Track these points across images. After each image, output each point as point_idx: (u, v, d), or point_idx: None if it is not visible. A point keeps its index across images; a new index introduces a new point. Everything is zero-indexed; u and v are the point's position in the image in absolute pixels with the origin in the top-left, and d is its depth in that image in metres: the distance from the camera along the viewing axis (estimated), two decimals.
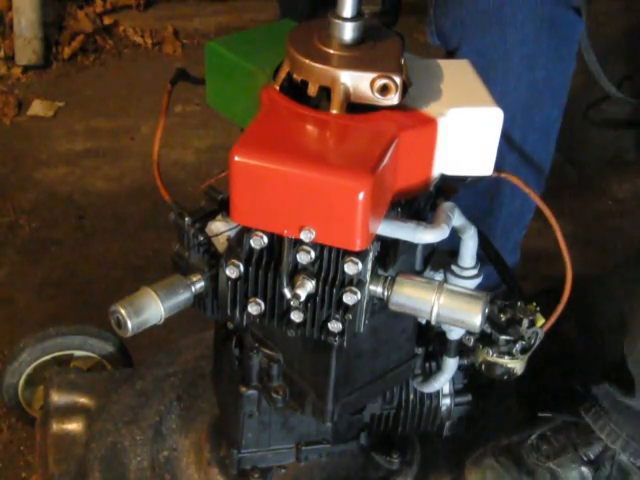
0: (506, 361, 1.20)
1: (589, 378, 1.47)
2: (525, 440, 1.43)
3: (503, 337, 1.19)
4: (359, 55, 1.01)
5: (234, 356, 1.24)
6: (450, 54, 1.56)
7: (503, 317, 1.19)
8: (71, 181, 2.57)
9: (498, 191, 1.60)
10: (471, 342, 1.22)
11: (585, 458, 1.43)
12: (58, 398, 1.53)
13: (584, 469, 1.42)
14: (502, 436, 1.43)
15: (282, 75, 1.04)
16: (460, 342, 1.23)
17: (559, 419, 1.46)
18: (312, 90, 1.00)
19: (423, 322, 1.23)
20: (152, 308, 1.06)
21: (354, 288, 0.99)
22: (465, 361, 1.27)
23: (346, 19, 1.00)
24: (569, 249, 1.16)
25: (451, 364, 1.25)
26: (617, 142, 2.71)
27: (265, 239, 1.00)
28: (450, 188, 1.15)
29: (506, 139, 1.05)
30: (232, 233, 1.08)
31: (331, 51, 1.01)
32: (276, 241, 1.01)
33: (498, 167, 1.10)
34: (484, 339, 1.20)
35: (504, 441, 1.42)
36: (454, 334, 1.22)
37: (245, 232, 1.02)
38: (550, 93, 1.53)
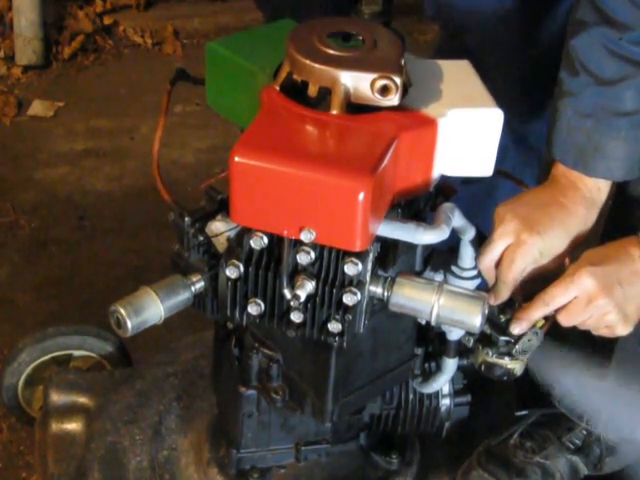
0: (506, 362, 1.19)
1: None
2: (507, 441, 1.42)
3: (503, 338, 1.18)
4: (359, 56, 1.01)
5: (234, 356, 1.24)
6: (445, 28, 1.55)
7: (503, 318, 1.19)
8: (71, 181, 2.57)
9: (494, 189, 1.60)
10: (471, 343, 1.22)
11: (572, 446, 1.43)
12: (57, 398, 1.53)
13: (572, 457, 1.42)
14: (484, 443, 1.43)
15: (282, 75, 1.04)
16: (460, 343, 1.23)
17: (536, 414, 1.46)
18: (312, 90, 1.00)
19: (423, 322, 1.22)
20: (152, 308, 1.06)
21: (354, 289, 0.99)
22: (465, 362, 1.27)
23: None
24: None
25: (451, 364, 1.25)
26: None
27: (265, 240, 1.00)
28: (450, 189, 1.15)
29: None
30: (232, 233, 1.08)
31: (331, 51, 1.01)
32: (276, 242, 1.01)
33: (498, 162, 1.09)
34: (484, 340, 1.20)
35: (486, 447, 1.42)
36: (454, 335, 1.22)
37: (245, 232, 1.02)
38: (550, 70, 1.53)
